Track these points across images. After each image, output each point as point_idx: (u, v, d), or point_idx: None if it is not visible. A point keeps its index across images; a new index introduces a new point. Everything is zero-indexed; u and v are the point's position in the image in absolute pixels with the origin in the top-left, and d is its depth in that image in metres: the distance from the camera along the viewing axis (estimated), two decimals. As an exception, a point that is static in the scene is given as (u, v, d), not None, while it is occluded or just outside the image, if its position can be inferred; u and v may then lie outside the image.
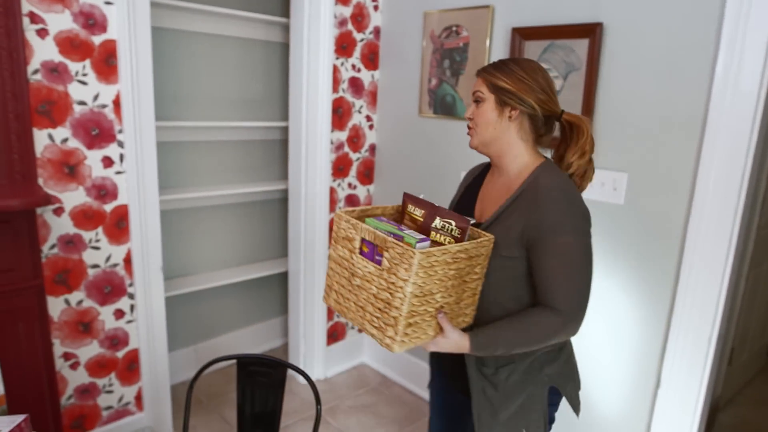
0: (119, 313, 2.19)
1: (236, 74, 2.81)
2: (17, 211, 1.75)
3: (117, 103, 2.03)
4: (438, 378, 1.49)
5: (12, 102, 1.81)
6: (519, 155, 1.27)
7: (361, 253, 1.17)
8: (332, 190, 2.78)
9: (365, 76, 2.80)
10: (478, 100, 1.27)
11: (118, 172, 2.08)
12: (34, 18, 1.81)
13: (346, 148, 2.81)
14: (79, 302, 2.08)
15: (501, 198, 1.27)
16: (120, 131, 2.05)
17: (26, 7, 1.79)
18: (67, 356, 2.09)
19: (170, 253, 2.73)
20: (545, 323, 1.16)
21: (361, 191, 2.95)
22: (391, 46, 2.79)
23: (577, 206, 1.18)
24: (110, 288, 2.14)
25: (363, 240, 1.17)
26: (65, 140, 1.94)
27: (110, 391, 2.22)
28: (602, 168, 1.99)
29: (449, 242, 1.16)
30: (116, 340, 2.20)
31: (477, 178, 1.42)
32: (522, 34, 2.17)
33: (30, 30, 1.81)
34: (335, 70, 2.65)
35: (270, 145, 3.05)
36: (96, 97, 1.98)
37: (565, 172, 1.29)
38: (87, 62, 1.94)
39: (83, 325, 2.11)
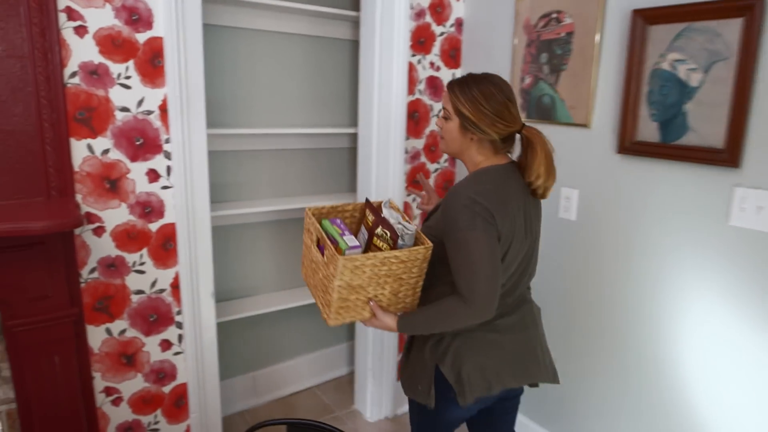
0: (166, 344, 1.96)
1: (300, 76, 2.53)
2: (50, 233, 1.55)
3: (164, 108, 1.79)
4: None
5: (47, 109, 1.61)
6: (476, 164, 1.44)
7: (318, 244, 1.40)
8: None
9: (445, 75, 2.43)
10: (446, 117, 1.41)
11: (165, 187, 1.85)
12: (71, 14, 1.60)
13: (423, 158, 2.46)
14: (122, 332, 1.86)
15: None
16: (167, 141, 1.82)
17: (63, 2, 1.58)
18: (108, 391, 1.88)
19: (225, 273, 2.50)
20: (454, 308, 1.32)
21: (438, 206, 2.58)
22: (475, 39, 2.41)
23: (471, 207, 1.29)
24: (156, 316, 1.92)
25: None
26: (106, 151, 1.72)
27: (156, 430, 2.00)
28: (760, 188, 1.51)
29: (385, 248, 1.36)
30: (162, 373, 1.97)
31: None
32: (646, 17, 1.72)
33: (67, 28, 1.60)
34: (411, 68, 2.31)
35: (337, 153, 2.76)
36: (140, 103, 1.75)
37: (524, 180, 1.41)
38: (130, 63, 1.71)
39: (126, 357, 1.89)
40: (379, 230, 1.36)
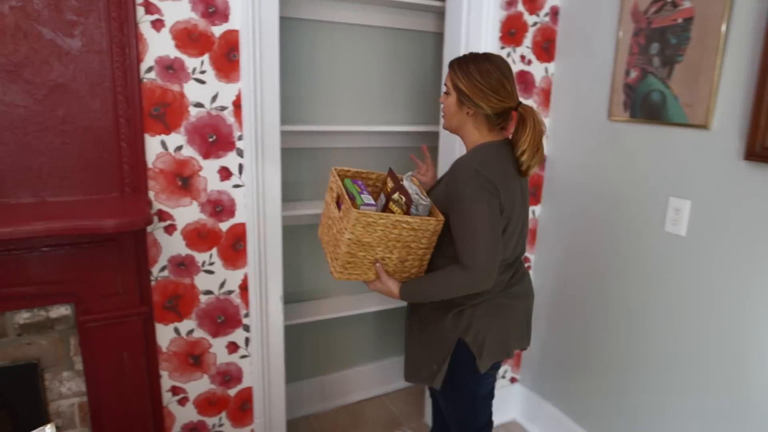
0: (233, 347, 1.91)
1: (380, 71, 2.41)
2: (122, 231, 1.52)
3: (237, 104, 1.73)
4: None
5: (123, 105, 1.59)
6: (473, 140, 1.48)
7: (337, 202, 1.43)
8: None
9: (537, 69, 2.22)
10: (446, 93, 1.47)
11: (236, 186, 1.79)
12: (149, 7, 1.57)
13: (508, 160, 2.26)
14: (190, 332, 1.83)
15: None
16: (240, 138, 1.76)
17: (141, -6, 1.55)
18: (175, 390, 1.86)
19: (295, 274, 2.44)
20: (455, 277, 1.37)
21: (524, 213, 2.37)
22: (572, 29, 2.17)
23: (476, 179, 1.35)
24: (224, 318, 1.87)
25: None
26: (179, 148, 1.69)
27: (220, 432, 1.96)
28: None
29: (399, 213, 1.39)
30: (228, 376, 1.93)
31: None
32: (790, -2, 1.43)
33: (144, 21, 1.57)
34: (499, 62, 2.12)
35: (417, 153, 2.61)
36: (214, 98, 1.70)
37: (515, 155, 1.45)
38: (205, 57, 1.66)
39: (193, 358, 1.86)
40: (395, 195, 1.40)
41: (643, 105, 1.87)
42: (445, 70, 2.17)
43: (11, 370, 1.62)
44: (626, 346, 2.01)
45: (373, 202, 1.41)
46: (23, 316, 1.61)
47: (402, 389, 2.82)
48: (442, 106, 1.51)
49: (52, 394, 1.70)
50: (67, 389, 1.71)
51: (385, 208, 1.44)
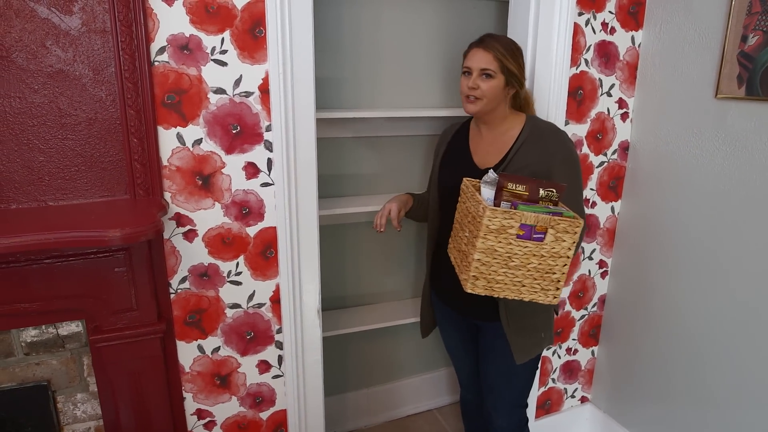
0: (264, 366, 1.69)
1: (432, 46, 2.08)
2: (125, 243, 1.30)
3: (265, 89, 1.48)
4: (449, 313, 1.68)
5: (131, 93, 1.36)
6: (505, 116, 1.48)
7: (518, 236, 1.23)
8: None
9: (621, 39, 1.85)
10: (489, 75, 1.40)
11: (265, 184, 1.54)
12: (158, -23, 1.32)
13: (585, 148, 1.91)
14: (216, 350, 1.62)
15: (499, 147, 1.47)
16: (268, 128, 1.51)
17: (148, -38, 1.31)
18: (201, 414, 1.66)
19: (333, 280, 2.18)
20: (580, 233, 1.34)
21: (603, 210, 2.02)
22: (668, -12, 1.79)
23: (571, 140, 1.46)
24: (253, 334, 1.65)
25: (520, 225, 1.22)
26: (198, 142, 1.45)
27: (253, 458, 1.76)
28: None
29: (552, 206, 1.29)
30: (260, 398, 1.71)
31: (457, 134, 1.61)
32: None
33: (154, -6, 1.33)
34: (576, 32, 1.77)
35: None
36: (238, 83, 1.45)
37: None
38: (226, 34, 1.41)
39: (220, 378, 1.65)
40: (542, 193, 1.26)
41: (765, 79, 1.49)
42: (519, 43, 1.84)
43: (19, 392, 1.46)
44: (722, 374, 1.65)
45: (558, 207, 1.27)
46: (30, 334, 1.44)
47: (455, 403, 2.55)
48: (473, 90, 1.40)
49: (66, 418, 1.53)
50: (82, 412, 1.54)
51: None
